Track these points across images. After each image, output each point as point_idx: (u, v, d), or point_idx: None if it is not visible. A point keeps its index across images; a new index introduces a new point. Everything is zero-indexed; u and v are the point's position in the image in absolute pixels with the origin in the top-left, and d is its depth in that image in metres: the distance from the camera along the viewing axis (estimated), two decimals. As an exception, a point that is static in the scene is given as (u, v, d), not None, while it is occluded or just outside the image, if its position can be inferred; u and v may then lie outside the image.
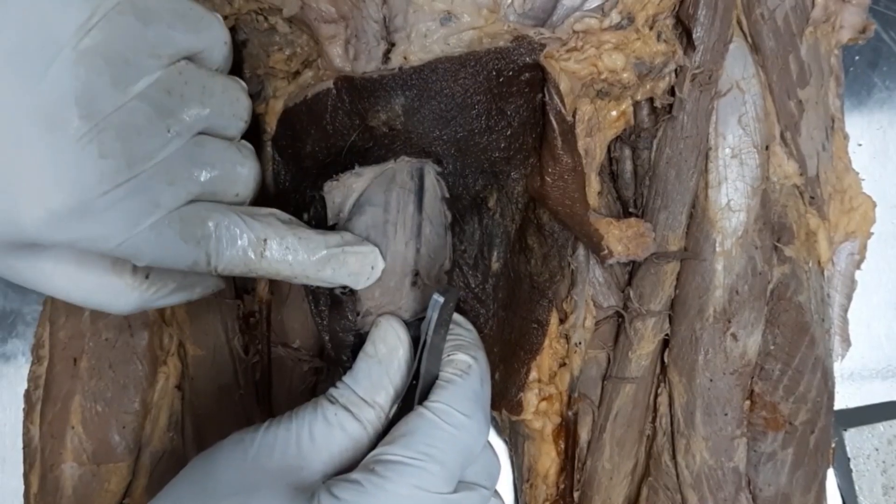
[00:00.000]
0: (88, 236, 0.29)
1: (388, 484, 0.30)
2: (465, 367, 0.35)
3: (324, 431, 0.33)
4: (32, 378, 0.48)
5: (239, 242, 0.34)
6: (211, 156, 0.34)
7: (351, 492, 0.30)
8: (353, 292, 0.41)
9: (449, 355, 0.35)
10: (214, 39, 0.34)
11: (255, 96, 0.47)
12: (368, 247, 0.38)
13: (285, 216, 0.37)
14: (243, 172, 0.36)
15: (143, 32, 0.29)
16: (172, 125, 0.31)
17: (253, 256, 0.34)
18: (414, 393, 0.34)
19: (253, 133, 0.40)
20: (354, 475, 0.31)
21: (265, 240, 0.35)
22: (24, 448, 0.47)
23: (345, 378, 0.35)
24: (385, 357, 0.36)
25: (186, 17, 0.32)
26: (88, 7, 0.28)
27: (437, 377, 0.35)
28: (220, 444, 0.34)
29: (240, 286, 0.49)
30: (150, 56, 0.30)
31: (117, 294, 0.34)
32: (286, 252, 0.35)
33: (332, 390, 0.35)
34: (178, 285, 0.36)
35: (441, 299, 0.35)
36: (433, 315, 0.35)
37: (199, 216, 0.33)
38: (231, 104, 0.35)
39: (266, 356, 0.48)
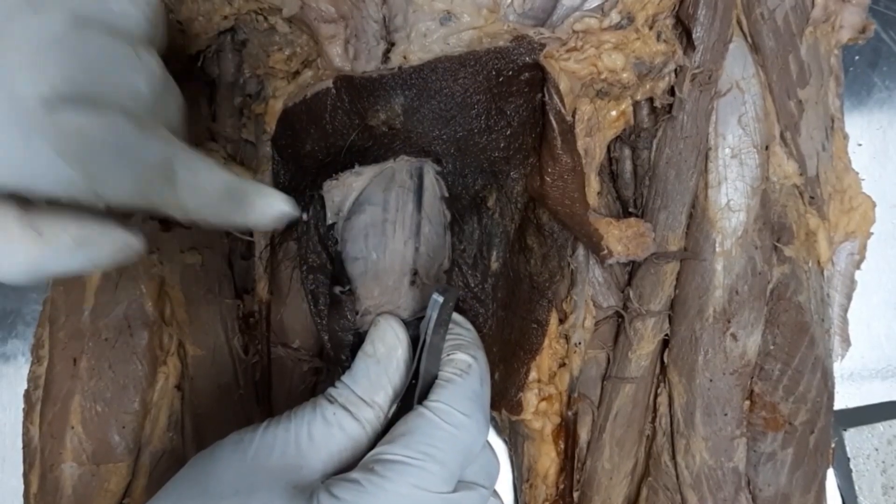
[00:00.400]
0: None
1: (387, 483, 0.30)
2: (464, 366, 0.35)
3: (323, 431, 0.33)
4: (32, 378, 0.48)
5: (132, 161, 0.28)
6: (92, 50, 0.27)
7: (350, 491, 0.30)
8: (352, 292, 0.41)
9: (448, 355, 0.35)
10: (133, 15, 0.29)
11: (254, 96, 0.47)
12: (274, 192, 0.35)
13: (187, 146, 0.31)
14: (139, 82, 0.29)
15: None
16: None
17: (154, 181, 0.28)
18: (413, 392, 0.34)
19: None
20: (354, 474, 0.31)
21: (169, 160, 0.29)
22: (23, 448, 0.47)
23: (343, 377, 0.35)
24: (384, 356, 0.35)
25: None
26: None
27: (436, 377, 0.35)
28: (219, 443, 0.34)
29: (239, 286, 0.49)
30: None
31: (6, 255, 0.27)
32: (193, 178, 0.30)
33: (330, 390, 0.35)
34: (76, 241, 0.28)
35: (440, 299, 0.35)
36: (432, 314, 0.35)
37: (77, 122, 0.26)
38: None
39: (266, 356, 0.48)
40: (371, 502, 0.30)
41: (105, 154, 0.27)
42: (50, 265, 0.28)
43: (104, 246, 0.30)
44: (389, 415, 0.35)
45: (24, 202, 0.26)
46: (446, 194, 0.42)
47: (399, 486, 0.30)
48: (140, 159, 0.28)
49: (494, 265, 0.43)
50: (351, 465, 0.33)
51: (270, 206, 0.35)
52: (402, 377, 0.35)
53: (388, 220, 0.40)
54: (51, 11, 0.26)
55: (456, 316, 0.37)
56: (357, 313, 0.41)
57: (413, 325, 0.37)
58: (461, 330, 0.37)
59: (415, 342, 0.36)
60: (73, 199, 0.27)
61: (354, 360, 0.36)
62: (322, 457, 0.33)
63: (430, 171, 0.42)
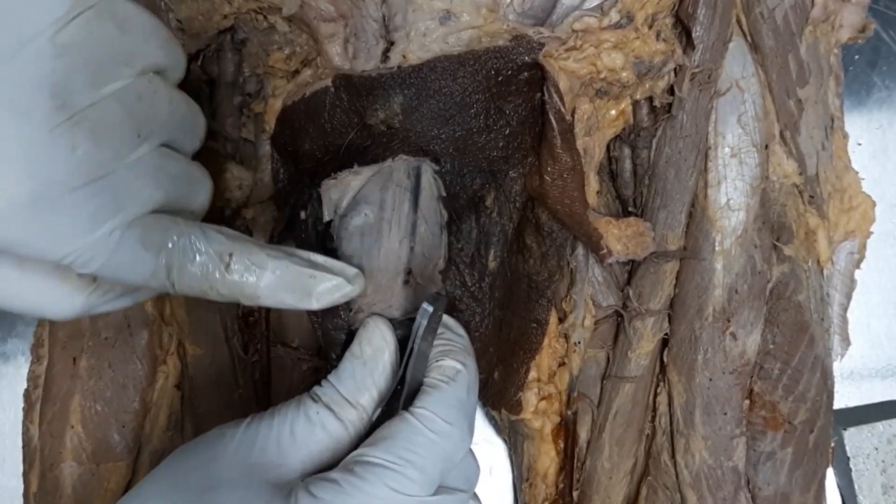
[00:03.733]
0: (46, 234, 0.28)
1: (365, 485, 0.30)
2: (452, 373, 0.35)
3: (305, 429, 0.33)
4: (32, 377, 0.48)
5: (201, 256, 0.33)
6: (174, 167, 0.33)
7: (329, 491, 0.30)
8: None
9: (437, 361, 0.35)
10: (178, 60, 0.34)
11: (254, 95, 0.47)
12: (336, 278, 0.36)
13: (256, 240, 0.36)
14: (201, 190, 0.36)
15: (119, 38, 0.30)
16: (142, 130, 0.31)
17: (216, 272, 0.33)
18: (399, 397, 0.34)
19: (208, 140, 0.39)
20: (333, 474, 0.31)
21: (230, 254, 0.33)
22: (23, 447, 0.47)
23: (329, 377, 0.35)
24: (370, 358, 0.35)
25: (158, 34, 0.32)
26: (66, 3, 0.28)
27: (422, 383, 0.35)
28: (201, 437, 0.34)
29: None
30: (125, 62, 0.30)
31: (62, 299, 0.32)
32: (251, 270, 0.34)
33: (315, 388, 0.35)
34: (125, 289, 0.34)
35: (430, 308, 0.35)
36: (422, 322, 0.35)
37: (162, 226, 0.32)
38: (193, 119, 0.36)
39: (265, 355, 0.48)
40: (349, 502, 0.30)
41: (185, 251, 0.32)
42: (101, 307, 0.34)
43: (144, 292, 0.36)
44: (374, 418, 0.35)
45: None
46: (444, 194, 0.42)
47: (377, 489, 0.30)
48: (207, 252, 0.33)
49: (492, 264, 0.43)
50: (331, 465, 0.33)
51: (334, 293, 0.36)
52: (388, 380, 0.35)
53: (384, 219, 0.40)
54: (152, 143, 0.32)
55: (448, 320, 0.37)
56: (350, 311, 0.41)
57: (404, 325, 0.37)
58: (453, 335, 0.37)
59: (404, 343, 0.36)
60: (148, 288, 0.33)
61: (341, 361, 0.36)
62: (303, 455, 0.33)
63: (427, 171, 0.42)
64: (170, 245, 0.32)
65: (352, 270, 0.36)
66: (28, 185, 0.27)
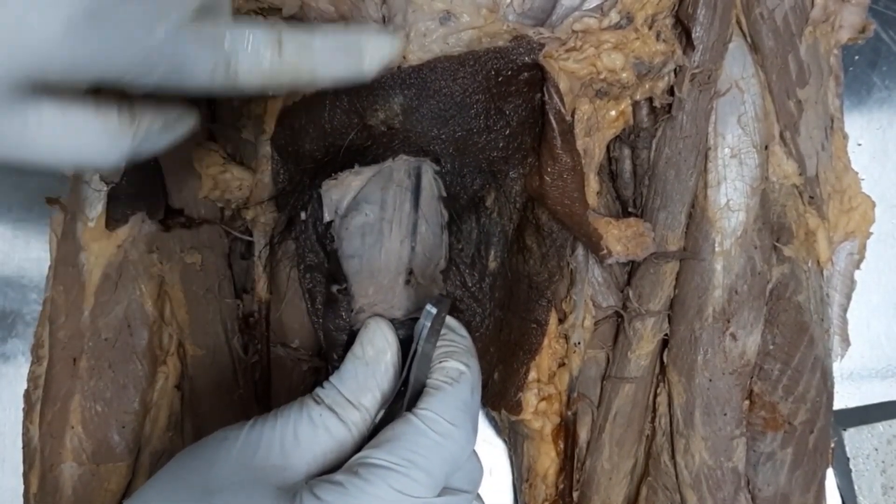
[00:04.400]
0: (105, 44, 0.28)
1: (370, 487, 0.30)
2: (455, 374, 0.35)
3: (308, 432, 0.33)
4: (32, 378, 0.48)
5: (255, 43, 0.32)
6: None
7: (333, 493, 0.30)
8: (348, 290, 0.41)
9: (440, 362, 0.35)
10: None
11: (254, 96, 0.47)
12: (381, 34, 0.37)
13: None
14: None
15: None
16: None
17: (272, 55, 0.33)
18: (402, 399, 0.34)
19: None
20: (337, 476, 0.31)
21: (280, 37, 0.33)
22: (23, 448, 0.47)
23: (331, 378, 0.35)
24: (372, 359, 0.35)
25: None
26: None
27: (425, 385, 0.35)
28: (204, 440, 0.34)
29: (239, 286, 0.49)
30: None
31: (108, 142, 0.31)
32: (303, 45, 0.34)
33: (318, 390, 0.35)
34: (165, 122, 0.34)
35: (434, 310, 0.35)
36: (425, 324, 0.35)
37: (210, 22, 0.31)
38: None
39: (265, 356, 0.48)
40: None
41: (238, 40, 0.32)
42: (144, 149, 0.33)
43: (180, 127, 0.35)
44: (377, 419, 0.35)
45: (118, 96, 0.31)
46: (444, 194, 0.42)
47: (381, 491, 0.30)
48: (258, 39, 0.32)
49: (492, 265, 0.43)
50: (335, 466, 0.33)
51: (381, 50, 0.36)
52: (391, 381, 0.35)
53: (385, 219, 0.40)
54: None
55: (451, 321, 0.37)
56: (352, 311, 0.41)
57: (406, 325, 0.37)
58: (455, 336, 0.37)
59: (407, 343, 0.36)
60: (212, 89, 0.32)
61: (343, 362, 0.36)
62: (306, 458, 0.33)
63: (428, 171, 0.42)
64: (223, 37, 0.32)
65: (388, 32, 0.37)
66: (81, 1, 0.26)
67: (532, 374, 0.49)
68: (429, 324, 0.35)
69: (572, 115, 0.43)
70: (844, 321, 0.49)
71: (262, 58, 0.33)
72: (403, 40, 0.37)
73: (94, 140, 0.31)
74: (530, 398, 0.49)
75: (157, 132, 0.33)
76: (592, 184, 0.45)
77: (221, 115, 0.47)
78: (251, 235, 0.47)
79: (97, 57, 0.28)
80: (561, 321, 0.49)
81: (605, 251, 0.45)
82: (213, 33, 0.31)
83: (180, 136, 0.36)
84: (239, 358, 0.48)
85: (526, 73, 0.41)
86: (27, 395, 0.48)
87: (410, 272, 0.40)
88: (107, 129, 0.31)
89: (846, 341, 0.49)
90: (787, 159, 0.46)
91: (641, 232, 0.45)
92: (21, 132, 0.30)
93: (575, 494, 0.49)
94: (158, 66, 0.30)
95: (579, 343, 0.48)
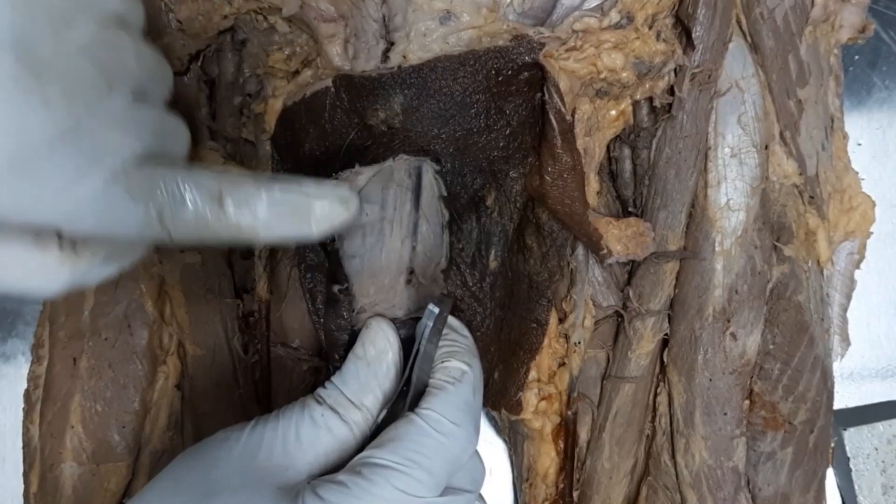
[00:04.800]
0: (27, 197, 0.27)
1: (372, 487, 0.30)
2: (458, 374, 0.35)
3: (310, 432, 0.33)
4: (32, 378, 0.48)
5: (192, 197, 0.31)
6: (148, 116, 0.32)
7: (336, 493, 0.30)
8: (349, 290, 0.41)
9: (443, 362, 0.35)
10: (137, 10, 0.33)
11: (254, 95, 0.47)
12: (332, 200, 0.34)
13: (241, 170, 0.34)
14: (179, 136, 0.34)
15: None
16: (111, 81, 0.29)
17: (210, 213, 0.31)
18: (404, 399, 0.34)
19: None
20: (340, 476, 0.31)
21: (220, 190, 0.32)
22: (23, 448, 0.47)
23: (333, 378, 0.35)
24: (374, 359, 0.35)
25: None
26: None
27: (427, 385, 0.35)
28: (206, 441, 0.34)
29: (239, 286, 0.49)
30: (86, 13, 0.29)
31: (46, 273, 0.30)
32: (246, 203, 0.32)
33: (319, 390, 0.35)
34: (108, 253, 0.32)
35: (436, 310, 0.35)
36: (428, 324, 0.35)
37: (146, 174, 0.30)
38: (162, 68, 0.34)
39: (265, 356, 0.48)
40: None
41: (175, 195, 0.31)
42: (87, 279, 0.31)
43: (129, 255, 0.34)
44: (379, 419, 0.35)
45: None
46: (445, 193, 0.42)
47: (384, 491, 0.30)
48: (196, 193, 0.31)
49: (493, 264, 0.43)
50: (337, 467, 0.33)
51: (332, 215, 0.34)
52: (392, 381, 0.35)
53: (386, 219, 0.40)
54: (124, 95, 0.30)
55: (453, 321, 0.37)
56: (353, 311, 0.41)
57: (407, 325, 0.37)
58: (457, 336, 0.37)
59: (408, 343, 0.36)
60: (145, 240, 0.31)
61: (345, 362, 0.36)
62: (308, 458, 0.33)
63: (428, 170, 0.42)
64: (158, 192, 0.30)
65: (344, 191, 0.34)
66: (4, 147, 0.26)
67: (532, 374, 0.49)
68: (431, 324, 0.35)
69: (572, 115, 0.43)
70: (844, 321, 0.49)
71: (200, 214, 0.31)
72: (356, 205, 0.35)
73: (34, 272, 0.30)
74: (530, 398, 0.49)
75: (99, 263, 0.32)
76: (592, 183, 0.46)
77: (221, 115, 0.47)
78: (251, 235, 0.47)
79: (20, 206, 0.27)
80: (561, 321, 0.49)
81: (605, 251, 0.45)
82: (148, 185, 0.30)
83: (126, 265, 0.34)
84: (239, 358, 0.48)
85: (526, 73, 0.41)
86: (27, 395, 0.48)
87: (411, 272, 0.40)
88: (45, 263, 0.30)
89: (846, 341, 0.49)
90: (787, 159, 0.46)
91: (641, 231, 0.45)
92: None
93: (575, 494, 0.49)
94: (88, 217, 0.29)
95: (579, 342, 0.48)
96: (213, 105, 0.47)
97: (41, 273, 0.30)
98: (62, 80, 0.27)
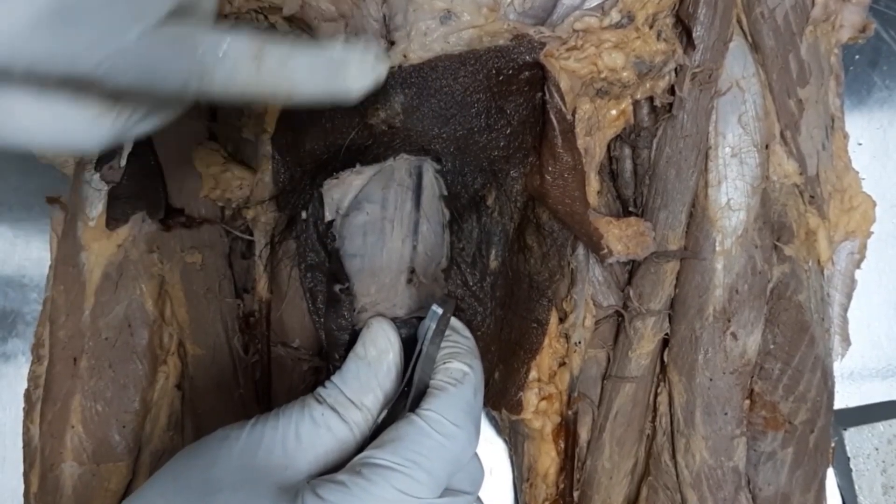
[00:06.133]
0: (73, 45, 0.27)
1: (372, 487, 0.30)
2: (459, 375, 0.35)
3: (310, 431, 0.33)
4: (32, 378, 0.48)
5: (233, 54, 0.31)
6: None
7: (335, 493, 0.30)
8: (350, 290, 0.41)
9: (444, 363, 0.35)
10: None
11: (254, 95, 0.47)
12: (366, 57, 0.34)
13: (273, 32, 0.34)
14: None
15: None
16: None
17: (249, 68, 0.31)
18: (405, 399, 0.34)
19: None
20: (340, 476, 0.31)
21: (260, 48, 0.31)
22: (23, 447, 0.47)
23: (333, 378, 0.35)
24: (374, 359, 0.35)
25: None
26: None
27: (428, 385, 0.35)
28: (205, 439, 0.34)
29: (239, 286, 0.49)
30: None
31: (87, 126, 0.30)
32: (284, 59, 0.32)
33: (319, 390, 0.35)
34: (147, 109, 0.32)
35: (440, 311, 0.35)
36: (430, 325, 0.35)
37: (188, 28, 0.30)
38: None
39: (266, 355, 0.48)
40: None
41: (215, 49, 0.30)
42: (128, 133, 0.31)
43: (167, 112, 0.33)
44: (379, 420, 0.35)
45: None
46: (445, 193, 0.42)
47: (384, 491, 0.30)
48: (236, 49, 0.31)
49: (493, 264, 0.43)
50: (337, 466, 0.33)
51: (366, 71, 0.34)
52: (393, 381, 0.35)
53: (387, 218, 0.40)
54: None
55: (455, 322, 0.37)
56: (354, 311, 0.41)
57: (408, 325, 0.37)
58: (459, 337, 0.37)
59: (409, 342, 0.36)
60: (184, 95, 0.31)
61: (345, 362, 0.36)
62: (308, 457, 0.33)
63: (429, 170, 0.42)
64: (199, 46, 0.30)
65: (375, 52, 0.34)
66: None
67: (533, 374, 0.49)
68: (434, 325, 0.35)
69: (573, 114, 0.43)
70: (845, 321, 0.49)
71: (239, 70, 0.31)
72: (387, 64, 0.35)
73: (72, 125, 0.30)
74: (531, 397, 0.49)
75: (138, 118, 0.32)
76: (593, 183, 0.45)
77: (222, 114, 0.47)
78: (252, 235, 0.47)
79: (64, 54, 0.27)
80: (561, 320, 0.49)
81: (605, 250, 0.45)
82: (190, 39, 0.30)
83: (165, 122, 0.34)
84: (239, 357, 0.48)
85: (527, 72, 0.41)
86: (27, 395, 0.48)
87: (412, 271, 0.40)
88: (85, 115, 0.30)
89: (847, 341, 0.49)
90: (787, 158, 0.46)
91: (642, 231, 0.45)
92: None
93: (575, 494, 0.49)
94: (129, 69, 0.29)
95: (580, 342, 0.48)
96: (214, 105, 0.47)
97: (81, 128, 0.30)
98: None
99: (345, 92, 0.34)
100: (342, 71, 0.33)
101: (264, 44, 0.32)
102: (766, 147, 0.45)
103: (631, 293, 0.47)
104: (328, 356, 0.43)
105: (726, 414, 0.45)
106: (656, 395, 0.49)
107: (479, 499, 0.36)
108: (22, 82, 0.28)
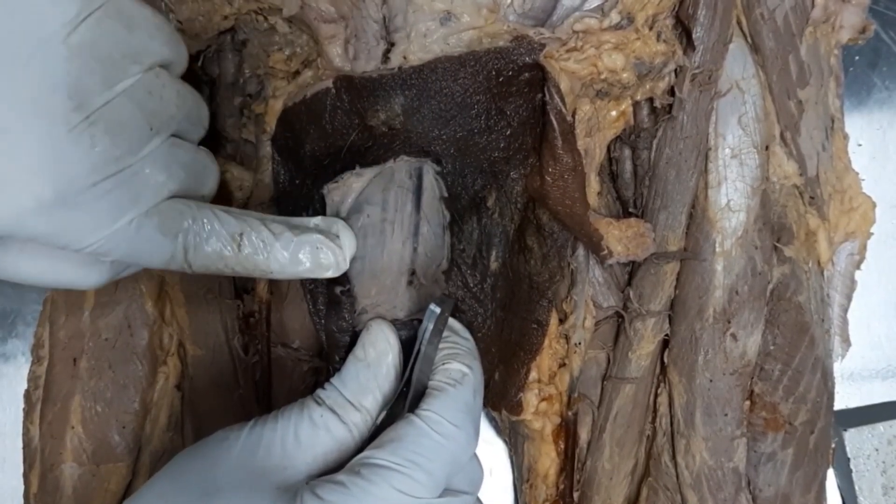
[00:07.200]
0: (70, 228, 0.30)
1: (372, 487, 0.30)
2: (458, 376, 0.35)
3: (309, 433, 0.33)
4: (32, 378, 0.48)
5: (215, 236, 0.34)
6: (184, 156, 0.35)
7: (335, 493, 0.30)
8: (350, 291, 0.41)
9: (443, 364, 0.35)
10: (182, 53, 0.35)
11: (254, 96, 0.47)
12: (336, 248, 0.38)
13: (258, 213, 0.38)
14: (210, 174, 0.37)
15: (127, 37, 0.31)
16: (154, 123, 0.32)
17: (229, 251, 0.35)
18: (404, 400, 0.34)
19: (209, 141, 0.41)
20: (339, 476, 0.31)
21: (241, 234, 0.35)
22: (23, 448, 0.47)
23: (333, 380, 0.35)
24: (374, 361, 0.36)
25: (163, 29, 0.33)
26: (76, 5, 0.29)
27: (427, 386, 0.35)
28: (204, 440, 0.34)
29: (240, 286, 0.49)
30: (134, 59, 0.31)
31: (84, 275, 0.34)
32: (262, 246, 0.36)
33: (319, 391, 0.35)
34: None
35: (437, 310, 0.35)
36: (428, 325, 0.35)
37: (177, 211, 0.33)
38: (198, 110, 0.37)
39: (266, 356, 0.48)
40: None
41: (200, 233, 0.34)
42: (123, 274, 0.35)
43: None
44: (378, 421, 0.35)
45: None
46: (446, 194, 0.42)
47: (383, 491, 0.30)
48: (219, 233, 0.35)
49: (494, 265, 0.43)
50: (336, 467, 0.33)
51: (336, 257, 0.37)
52: (392, 383, 0.35)
53: (387, 220, 0.40)
54: (163, 135, 0.33)
55: (454, 324, 0.37)
56: (355, 312, 0.41)
57: (408, 326, 0.37)
58: (458, 339, 0.37)
59: (409, 343, 0.36)
60: (167, 268, 0.34)
61: (345, 363, 0.36)
62: (307, 458, 0.33)
63: (429, 172, 0.42)
64: (185, 229, 0.33)
65: (337, 228, 0.38)
66: (52, 183, 0.28)
67: (533, 375, 0.49)
68: (431, 325, 0.35)
69: (573, 116, 0.43)
70: (845, 321, 0.49)
71: (222, 252, 0.35)
72: (353, 245, 0.39)
73: (70, 275, 0.33)
74: (531, 398, 0.49)
75: (125, 269, 0.35)
76: (593, 184, 0.46)
77: (222, 115, 0.47)
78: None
79: (63, 233, 0.30)
80: (561, 321, 0.49)
81: (605, 251, 0.45)
82: (177, 221, 0.33)
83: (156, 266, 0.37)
84: (239, 358, 0.48)
85: (527, 74, 0.41)
86: (27, 395, 0.48)
87: (413, 273, 0.40)
88: (81, 268, 0.33)
89: (847, 342, 0.49)
90: (787, 160, 0.46)
91: (642, 232, 0.45)
92: (1, 260, 0.32)
93: (575, 495, 0.49)
94: (119, 248, 0.31)
95: (580, 343, 0.48)
96: (214, 105, 0.47)
97: (79, 276, 0.34)
98: (109, 123, 0.30)
99: (320, 273, 0.37)
100: (316, 255, 0.37)
101: (245, 230, 0.35)
102: (766, 148, 0.45)
103: (631, 294, 0.47)
104: (329, 357, 0.43)
105: (726, 415, 0.45)
106: (656, 395, 0.49)
107: (478, 499, 0.36)
108: (24, 243, 0.32)
